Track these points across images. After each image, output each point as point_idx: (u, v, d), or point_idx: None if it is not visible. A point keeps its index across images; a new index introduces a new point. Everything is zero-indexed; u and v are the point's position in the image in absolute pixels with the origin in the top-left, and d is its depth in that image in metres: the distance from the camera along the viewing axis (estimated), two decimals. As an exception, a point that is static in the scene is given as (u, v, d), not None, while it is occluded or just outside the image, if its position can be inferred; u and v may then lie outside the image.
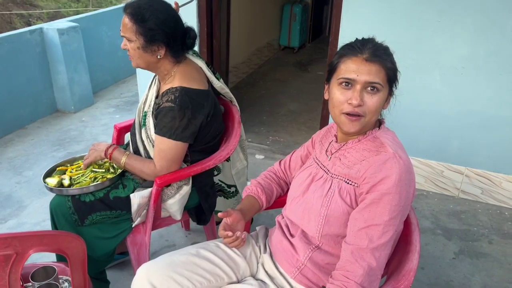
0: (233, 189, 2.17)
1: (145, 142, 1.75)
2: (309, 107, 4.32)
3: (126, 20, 1.56)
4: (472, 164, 2.73)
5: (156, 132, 1.64)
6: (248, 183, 2.85)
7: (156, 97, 1.73)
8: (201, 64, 1.77)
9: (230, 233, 1.26)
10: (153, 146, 1.71)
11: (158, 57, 1.62)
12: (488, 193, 2.76)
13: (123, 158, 1.69)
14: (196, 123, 1.62)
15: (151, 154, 1.72)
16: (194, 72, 1.71)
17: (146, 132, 1.74)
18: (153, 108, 1.71)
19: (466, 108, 2.62)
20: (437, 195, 2.86)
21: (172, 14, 1.63)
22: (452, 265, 2.24)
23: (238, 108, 1.98)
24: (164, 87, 1.68)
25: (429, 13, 2.48)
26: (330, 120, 2.94)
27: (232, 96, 1.98)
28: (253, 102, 4.42)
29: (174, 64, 1.67)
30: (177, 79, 1.64)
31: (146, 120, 1.73)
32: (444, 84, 2.61)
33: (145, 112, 1.75)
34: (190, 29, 1.68)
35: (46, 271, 1.25)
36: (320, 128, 3.03)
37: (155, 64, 1.65)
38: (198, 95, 1.63)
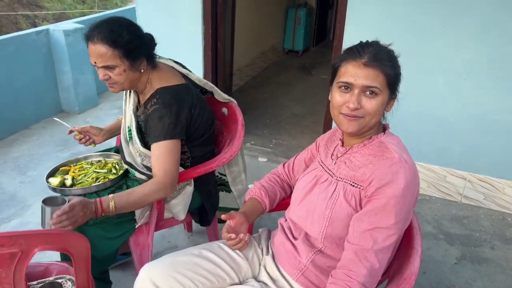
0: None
1: (136, 157, 1.72)
2: (312, 110, 4.33)
3: (101, 49, 1.48)
4: (475, 170, 2.73)
5: (151, 141, 1.60)
6: (251, 186, 2.86)
7: (137, 109, 1.71)
8: (171, 63, 1.78)
9: (233, 235, 1.27)
10: (142, 159, 1.69)
11: (142, 71, 1.61)
12: (490, 199, 2.76)
13: (111, 204, 1.46)
14: (183, 117, 1.60)
15: (148, 163, 1.69)
16: (168, 71, 1.71)
17: (134, 146, 1.72)
18: (135, 122, 1.68)
19: (469, 113, 2.62)
20: (439, 200, 2.86)
21: (135, 24, 1.60)
22: (454, 270, 2.24)
23: (239, 108, 1.97)
24: (145, 97, 1.67)
25: (433, 18, 2.49)
26: (334, 124, 2.94)
27: (213, 86, 1.93)
28: (256, 105, 4.43)
29: (150, 72, 1.65)
30: (154, 83, 1.64)
31: (132, 134, 1.70)
32: (448, 88, 2.61)
33: (129, 127, 1.73)
34: (147, 33, 1.65)
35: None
36: (324, 132, 3.06)
37: (138, 80, 1.63)
38: (178, 90, 1.63)
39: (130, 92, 1.75)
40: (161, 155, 1.57)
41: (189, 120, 1.64)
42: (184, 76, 1.78)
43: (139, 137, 1.67)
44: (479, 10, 2.39)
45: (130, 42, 1.51)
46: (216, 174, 2.04)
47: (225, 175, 2.06)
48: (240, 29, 4.53)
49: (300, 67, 5.86)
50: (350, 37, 2.65)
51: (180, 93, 1.63)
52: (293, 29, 6.18)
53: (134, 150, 1.72)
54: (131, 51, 1.52)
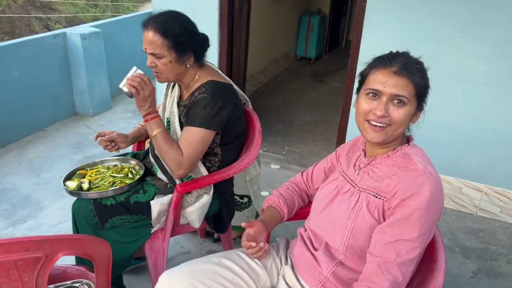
0: (245, 199, 2.18)
1: None
2: (325, 118, 4.32)
3: (153, 36, 1.56)
4: (491, 182, 2.70)
5: (187, 123, 1.65)
6: (264, 193, 2.86)
7: (178, 103, 1.75)
8: (215, 67, 1.84)
9: (253, 244, 1.25)
10: None
11: (188, 66, 1.66)
12: (507, 212, 2.72)
13: (156, 131, 1.61)
14: (225, 113, 1.64)
15: None
16: (216, 72, 1.78)
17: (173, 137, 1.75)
18: (179, 111, 1.73)
19: (487, 125, 2.59)
20: (454, 212, 2.83)
21: (191, 21, 1.67)
22: (470, 284, 2.21)
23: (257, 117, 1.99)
24: (191, 89, 1.71)
25: (451, 28, 2.48)
26: (348, 132, 2.93)
27: (247, 98, 2.00)
28: (268, 111, 4.43)
29: (198, 69, 1.71)
30: (203, 77, 1.69)
31: (171, 126, 1.75)
32: (465, 99, 2.59)
33: (167, 118, 1.77)
34: (203, 34, 1.72)
35: None
36: (337, 140, 3.06)
37: (183, 74, 1.68)
38: (226, 87, 1.70)
39: (173, 86, 1.81)
40: (189, 138, 1.62)
41: (229, 118, 1.68)
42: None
43: (180, 128, 1.71)
44: (498, 21, 2.37)
45: (179, 36, 1.57)
46: None
47: (237, 194, 2.09)
48: (254, 36, 4.54)
49: (313, 75, 5.86)
50: (367, 46, 2.64)
51: (228, 90, 1.70)
52: (306, 36, 6.18)
53: None
54: (179, 44, 1.58)
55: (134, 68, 1.62)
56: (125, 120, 4.05)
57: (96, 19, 10.83)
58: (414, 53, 1.19)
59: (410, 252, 1.08)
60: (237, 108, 1.72)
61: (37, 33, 4.02)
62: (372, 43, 2.62)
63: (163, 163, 1.74)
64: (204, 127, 1.61)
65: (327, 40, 6.66)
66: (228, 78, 1.84)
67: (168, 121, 1.77)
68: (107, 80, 4.17)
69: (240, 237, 2.19)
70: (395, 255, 1.08)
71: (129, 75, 1.60)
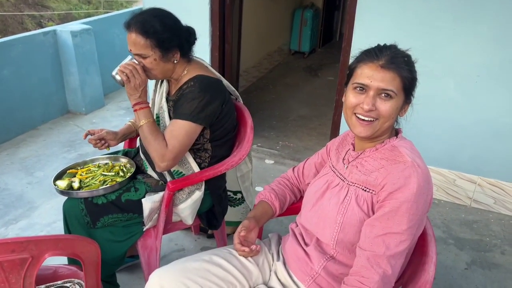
0: (239, 195, 2.17)
1: None
2: (319, 112, 4.31)
3: (135, 37, 1.55)
4: (485, 173, 2.70)
5: (174, 116, 1.64)
6: (259, 188, 2.85)
7: (167, 98, 1.75)
8: (205, 63, 1.82)
9: (247, 249, 1.28)
10: None
11: (175, 62, 1.64)
12: (501, 203, 2.72)
13: (143, 121, 1.59)
14: (212, 108, 1.63)
15: None
16: (205, 67, 1.76)
17: None
18: (168, 106, 1.72)
19: (480, 116, 2.59)
20: (448, 203, 2.83)
21: (173, 17, 1.65)
22: (464, 275, 2.21)
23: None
24: (178, 85, 1.70)
25: (443, 20, 2.47)
26: (341, 126, 2.93)
27: (238, 94, 1.98)
28: (263, 106, 4.42)
29: (186, 64, 1.70)
30: (191, 72, 1.68)
31: (160, 122, 1.74)
32: (458, 92, 2.59)
33: (157, 114, 1.76)
34: (188, 27, 1.71)
35: None
36: (331, 134, 3.05)
37: (171, 70, 1.67)
38: (215, 82, 1.68)
39: (161, 81, 1.79)
40: (175, 131, 1.60)
41: (217, 114, 1.67)
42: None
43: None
44: (490, 13, 2.36)
45: (162, 33, 1.56)
46: None
47: (230, 190, 2.08)
48: (247, 30, 4.51)
49: (307, 69, 5.84)
50: (359, 39, 2.63)
51: (216, 85, 1.68)
52: (300, 31, 6.15)
53: None
54: (163, 42, 1.57)
55: (129, 57, 1.62)
56: (118, 117, 4.02)
57: (89, 16, 10.75)
58: (406, 46, 1.19)
59: (399, 244, 1.08)
60: (226, 104, 1.70)
61: (29, 31, 3.99)
62: (364, 36, 2.61)
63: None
64: (190, 120, 1.59)
65: (320, 34, 6.64)
66: (218, 74, 1.82)
67: (158, 117, 1.76)
68: (100, 78, 4.14)
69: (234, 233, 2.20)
70: (385, 248, 1.08)
71: (123, 62, 1.60)
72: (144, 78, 1.60)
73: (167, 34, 1.57)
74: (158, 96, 1.79)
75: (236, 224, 2.20)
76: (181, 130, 1.59)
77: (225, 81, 1.85)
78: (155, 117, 1.77)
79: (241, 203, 2.21)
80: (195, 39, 1.72)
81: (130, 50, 1.60)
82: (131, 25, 1.56)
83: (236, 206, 2.20)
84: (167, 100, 1.74)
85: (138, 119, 1.61)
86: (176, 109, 1.64)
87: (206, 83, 1.64)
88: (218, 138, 1.75)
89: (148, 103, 1.65)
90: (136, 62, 1.59)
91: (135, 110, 1.61)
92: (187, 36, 1.67)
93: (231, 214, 2.14)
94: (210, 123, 1.67)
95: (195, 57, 1.79)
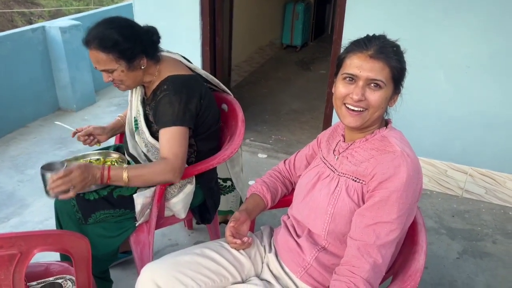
0: (229, 183, 2.15)
1: (142, 147, 1.73)
2: (311, 106, 4.31)
3: (97, 54, 1.51)
4: (476, 164, 2.72)
5: (159, 127, 1.61)
6: (252, 182, 2.85)
7: (143, 101, 1.72)
8: (178, 57, 1.79)
9: (238, 241, 1.28)
10: (148, 149, 1.70)
11: (142, 68, 1.60)
12: (492, 193, 2.75)
13: (125, 175, 1.49)
14: (193, 106, 1.61)
15: (152, 158, 1.71)
16: (176, 63, 1.72)
17: (140, 137, 1.72)
18: (142, 111, 1.69)
19: (471, 107, 2.61)
20: (440, 194, 2.85)
21: (130, 23, 1.59)
22: (456, 265, 2.23)
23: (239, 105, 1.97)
24: (153, 87, 1.67)
25: (433, 12, 2.47)
26: (333, 119, 2.93)
27: (219, 81, 1.95)
28: (255, 100, 4.41)
29: (156, 65, 1.66)
30: (163, 73, 1.65)
31: (138, 124, 1.71)
32: (449, 83, 2.60)
33: (135, 118, 1.73)
34: (148, 27, 1.66)
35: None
36: (323, 127, 3.06)
37: (141, 77, 1.63)
38: (187, 79, 1.64)
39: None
40: (171, 139, 1.57)
41: (198, 110, 1.64)
42: (191, 70, 1.78)
43: (146, 127, 1.67)
44: (479, 4, 2.37)
45: (122, 44, 1.50)
46: None
47: (221, 179, 2.06)
48: (238, 24, 4.50)
49: (298, 62, 5.83)
50: (350, 31, 2.63)
51: (190, 82, 1.64)
52: (291, 24, 6.14)
53: (140, 141, 1.72)
54: (124, 52, 1.52)
55: (48, 174, 1.39)
56: (110, 114, 4.00)
57: (79, 12, 10.66)
58: (396, 37, 1.19)
59: (390, 234, 1.09)
60: (204, 98, 1.67)
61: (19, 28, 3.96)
62: (355, 28, 2.61)
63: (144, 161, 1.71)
64: (179, 124, 1.57)
65: (312, 28, 6.63)
66: (193, 66, 1.79)
67: (136, 120, 1.72)
68: (90, 74, 4.11)
69: (225, 222, 2.20)
70: (375, 237, 1.08)
71: (47, 186, 1.37)
72: (81, 172, 1.39)
73: (128, 43, 1.52)
74: (134, 98, 1.74)
75: (226, 213, 2.20)
76: (176, 136, 1.57)
77: (202, 71, 1.83)
78: (133, 121, 1.74)
79: (231, 191, 2.18)
80: (159, 37, 1.67)
81: (95, 67, 1.55)
82: (90, 42, 1.51)
83: (226, 194, 2.17)
84: (144, 104, 1.71)
85: (120, 179, 1.49)
86: (159, 119, 1.60)
87: (179, 83, 1.60)
88: (201, 132, 1.73)
89: (106, 168, 1.49)
90: (59, 170, 1.40)
91: (108, 181, 1.48)
92: (149, 37, 1.62)
93: (222, 202, 2.11)
94: (195, 122, 1.65)
95: (166, 51, 1.75)
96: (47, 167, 1.45)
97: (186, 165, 1.73)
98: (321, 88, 4.54)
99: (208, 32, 3.08)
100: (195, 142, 1.74)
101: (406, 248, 1.24)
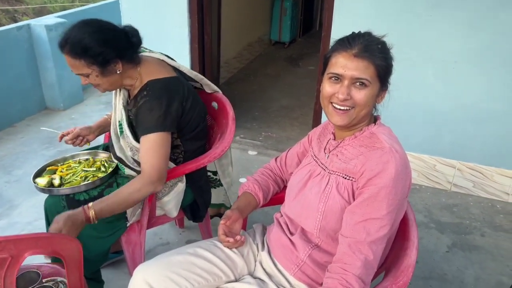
0: (218, 176, 2.14)
1: (127, 151, 1.70)
2: (301, 102, 4.32)
3: (70, 59, 1.49)
4: (464, 158, 2.75)
5: (140, 133, 1.58)
6: (243, 179, 2.85)
7: (127, 103, 1.69)
8: (161, 56, 1.75)
9: (231, 240, 1.28)
10: (134, 153, 1.68)
11: (118, 72, 1.56)
12: (480, 186, 2.79)
13: (104, 205, 1.47)
14: (174, 110, 1.58)
15: (138, 159, 1.67)
16: (157, 65, 1.68)
17: (126, 141, 1.69)
18: (126, 116, 1.67)
19: (458, 102, 2.63)
20: (429, 189, 2.88)
21: (107, 26, 1.55)
22: (445, 258, 2.26)
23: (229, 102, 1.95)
24: (135, 91, 1.64)
25: (420, 7, 2.49)
26: (323, 115, 2.94)
27: (203, 77, 1.92)
28: (244, 97, 4.40)
29: (135, 68, 1.61)
30: (143, 77, 1.61)
31: (123, 128, 1.68)
32: (436, 78, 2.62)
33: (119, 121, 1.70)
34: (128, 28, 1.61)
35: (30, 276, 1.22)
36: (313, 123, 3.06)
37: (120, 80, 1.60)
38: (168, 82, 1.61)
39: (119, 88, 1.72)
40: (150, 149, 1.55)
41: (180, 113, 1.62)
42: (175, 69, 1.75)
43: (130, 131, 1.65)
44: (466, -1, 2.40)
45: (93, 49, 1.47)
46: None
47: (211, 172, 2.05)
48: (226, 21, 4.48)
49: (287, 59, 5.83)
50: (338, 27, 2.63)
51: (170, 85, 1.61)
52: (279, 20, 6.13)
53: (125, 144, 1.70)
54: (97, 57, 1.48)
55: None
56: (98, 112, 3.96)
57: (64, 9, 10.50)
58: (384, 33, 1.19)
59: (380, 230, 1.09)
60: (186, 100, 1.63)
61: (3, 26, 3.87)
62: (343, 24, 2.62)
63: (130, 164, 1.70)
64: (158, 131, 1.54)
65: (300, 24, 6.63)
66: (177, 64, 1.76)
67: (121, 124, 1.69)
68: (77, 72, 4.05)
69: (217, 215, 2.19)
70: (365, 234, 1.09)
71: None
72: (63, 221, 1.37)
73: (100, 48, 1.47)
74: (118, 102, 1.71)
75: (219, 206, 2.18)
76: (153, 145, 1.54)
77: (185, 69, 1.80)
78: (118, 125, 1.71)
79: (221, 184, 2.17)
80: (140, 39, 1.62)
81: (72, 71, 1.54)
82: (63, 47, 1.48)
83: (216, 188, 2.16)
84: (125, 109, 1.67)
85: (100, 210, 1.46)
86: (140, 125, 1.58)
87: (159, 88, 1.57)
88: (187, 132, 1.71)
89: (86, 207, 1.45)
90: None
91: (95, 218, 1.46)
92: (127, 40, 1.57)
93: (212, 196, 2.09)
94: (177, 125, 1.63)
95: (148, 51, 1.71)
96: (21, 280, 1.23)
97: (175, 165, 1.72)
98: (310, 84, 4.54)
99: (197, 29, 3.06)
100: (181, 143, 1.72)
101: (397, 243, 1.25)
